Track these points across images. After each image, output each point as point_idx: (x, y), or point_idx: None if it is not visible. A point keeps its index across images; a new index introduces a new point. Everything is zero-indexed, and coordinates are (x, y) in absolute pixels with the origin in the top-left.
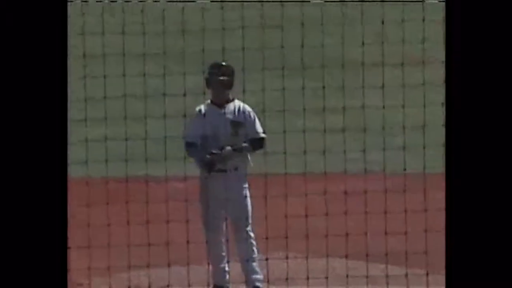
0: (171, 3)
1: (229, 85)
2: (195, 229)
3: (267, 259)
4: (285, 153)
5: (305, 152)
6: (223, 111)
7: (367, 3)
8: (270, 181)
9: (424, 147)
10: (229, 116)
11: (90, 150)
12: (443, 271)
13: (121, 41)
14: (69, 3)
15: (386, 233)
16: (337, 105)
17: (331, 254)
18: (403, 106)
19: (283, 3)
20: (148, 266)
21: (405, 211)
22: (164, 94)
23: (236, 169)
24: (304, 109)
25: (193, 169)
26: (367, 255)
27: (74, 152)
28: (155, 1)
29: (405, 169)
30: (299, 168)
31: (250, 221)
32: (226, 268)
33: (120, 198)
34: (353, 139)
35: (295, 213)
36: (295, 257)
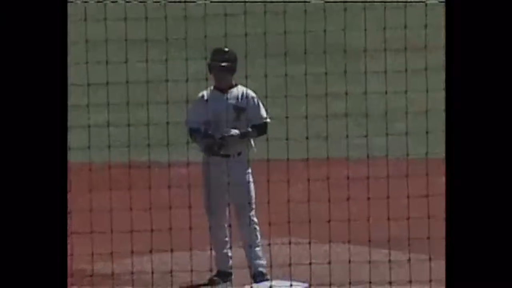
0: None
1: (231, 70)
2: (198, 215)
3: (269, 245)
4: (287, 139)
5: (307, 137)
6: (226, 96)
7: None
8: (272, 167)
9: (426, 132)
10: (232, 101)
11: (92, 136)
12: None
13: (123, 27)
14: None
15: (388, 219)
16: (340, 91)
17: (334, 240)
18: (405, 92)
19: None
20: (151, 251)
21: (408, 196)
22: (166, 80)
23: (239, 154)
24: (306, 95)
25: (196, 154)
26: (369, 241)
27: (77, 138)
28: None
29: (407, 155)
30: (302, 153)
31: (253, 206)
32: (229, 254)
33: (122, 183)
34: (356, 124)
35: (297, 199)
36: (297, 242)
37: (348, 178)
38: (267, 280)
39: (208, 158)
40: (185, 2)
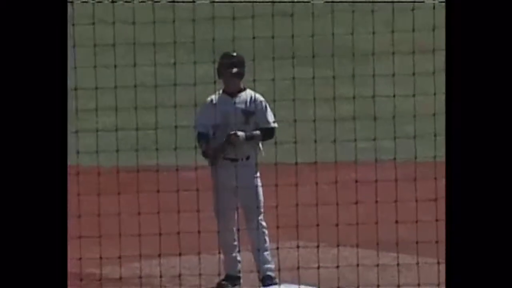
0: None
1: (240, 75)
2: (206, 218)
3: (278, 248)
4: (295, 142)
5: (315, 141)
6: (234, 100)
7: None
8: (280, 170)
9: (434, 136)
10: (241, 105)
11: (100, 139)
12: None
13: (131, 31)
14: None
15: (397, 222)
16: (347, 94)
17: (342, 243)
18: (413, 95)
19: None
20: (159, 255)
21: (416, 200)
22: (174, 84)
23: (247, 158)
24: (314, 98)
25: (204, 158)
26: (377, 244)
27: (85, 142)
28: None
29: (415, 158)
30: (310, 157)
31: (261, 210)
32: (238, 258)
33: (131, 187)
34: (364, 127)
35: (305, 202)
36: (306, 246)
37: (356, 181)
38: (275, 284)
39: (212, 162)
40: (193, 1)
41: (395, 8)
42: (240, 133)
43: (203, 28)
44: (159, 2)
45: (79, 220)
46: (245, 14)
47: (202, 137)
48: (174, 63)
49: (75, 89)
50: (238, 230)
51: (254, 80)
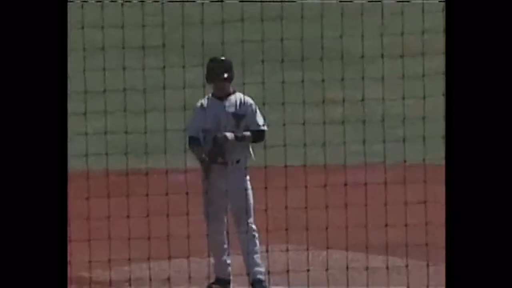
0: None
1: (228, 79)
2: (196, 222)
3: (267, 251)
4: (285, 145)
5: (305, 144)
6: (224, 104)
7: None
8: (270, 173)
9: (424, 139)
10: (231, 109)
11: (90, 143)
12: (444, 262)
13: (121, 34)
14: None
15: (386, 225)
16: (337, 97)
17: (332, 246)
18: (403, 98)
19: None
20: (148, 259)
21: (406, 202)
22: (164, 88)
23: (237, 162)
24: (304, 101)
25: (194, 161)
26: (367, 247)
27: (75, 145)
28: None
29: (405, 161)
30: (299, 160)
31: (251, 213)
32: (228, 261)
33: (120, 191)
34: (353, 131)
35: (295, 205)
36: (295, 249)
37: (345, 184)
38: (265, 287)
39: (205, 165)
40: (182, 1)
41: (385, 11)
42: (228, 134)
43: (192, 31)
44: (146, 1)
45: (68, 223)
46: (235, 17)
47: (193, 141)
48: (164, 67)
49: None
50: (227, 233)
51: (244, 84)
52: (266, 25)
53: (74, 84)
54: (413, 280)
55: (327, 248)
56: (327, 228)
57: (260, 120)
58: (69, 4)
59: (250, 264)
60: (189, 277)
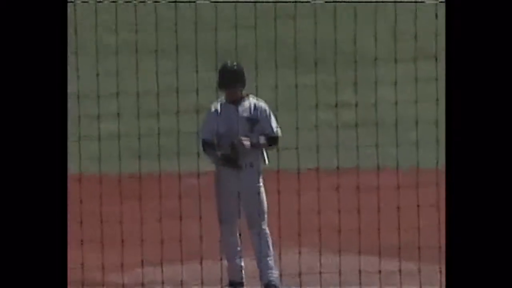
0: None
1: (241, 84)
2: (209, 225)
3: (280, 254)
4: (297, 148)
5: (318, 147)
6: (238, 108)
7: None
8: (283, 176)
9: (437, 142)
10: (245, 113)
11: (103, 146)
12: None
13: (134, 37)
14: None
15: (399, 228)
16: (350, 100)
17: (345, 249)
18: (416, 101)
19: None
20: (161, 262)
21: (418, 206)
22: (177, 91)
23: (251, 165)
24: (317, 104)
25: (207, 164)
26: (380, 250)
27: (88, 148)
28: None
29: (418, 164)
30: (312, 163)
31: (265, 216)
32: (241, 264)
33: (133, 194)
34: (367, 134)
35: (308, 208)
36: (308, 252)
37: (358, 187)
38: None
39: (220, 168)
40: (194, 1)
41: (398, 14)
42: (245, 142)
43: (205, 34)
44: (159, 2)
45: (81, 226)
46: (248, 21)
47: (207, 145)
48: (177, 70)
49: (78, 95)
50: (240, 236)
51: (256, 87)
52: (279, 27)
53: (87, 86)
54: (426, 283)
55: (340, 251)
56: (339, 231)
57: (274, 125)
58: (82, 6)
59: (263, 267)
60: (202, 281)
